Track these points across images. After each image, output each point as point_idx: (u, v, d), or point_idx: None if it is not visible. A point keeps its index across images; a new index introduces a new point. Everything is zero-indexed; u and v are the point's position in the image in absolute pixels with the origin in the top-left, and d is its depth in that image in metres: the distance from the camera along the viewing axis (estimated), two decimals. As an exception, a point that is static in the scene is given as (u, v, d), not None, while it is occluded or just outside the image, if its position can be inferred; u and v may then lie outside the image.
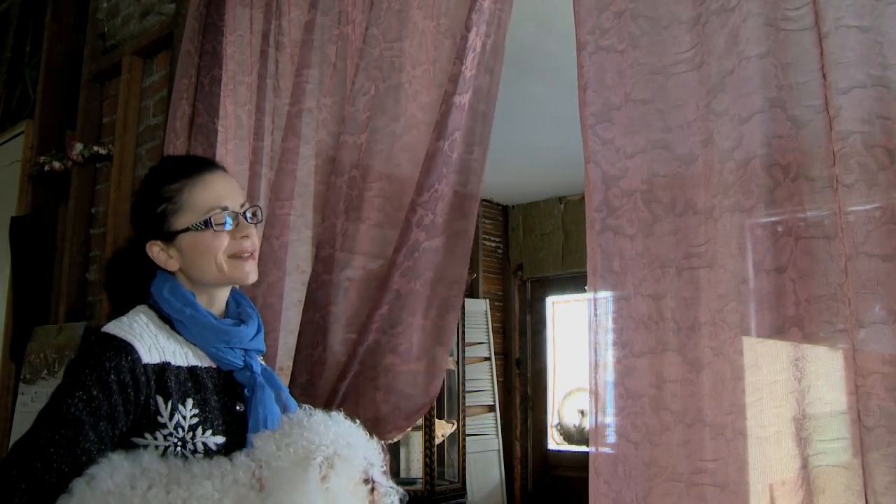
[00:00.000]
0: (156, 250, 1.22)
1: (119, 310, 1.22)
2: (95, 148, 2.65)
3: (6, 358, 2.79)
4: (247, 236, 1.22)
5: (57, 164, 2.73)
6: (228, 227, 1.21)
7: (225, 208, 1.21)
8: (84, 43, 2.94)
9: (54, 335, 2.53)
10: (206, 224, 1.19)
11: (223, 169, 1.30)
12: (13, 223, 2.82)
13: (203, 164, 1.28)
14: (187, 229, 1.20)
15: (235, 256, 1.21)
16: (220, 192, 1.23)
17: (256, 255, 1.25)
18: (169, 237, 1.21)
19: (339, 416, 1.06)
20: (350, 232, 1.63)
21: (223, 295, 1.26)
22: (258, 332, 1.26)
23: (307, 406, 1.09)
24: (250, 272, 1.23)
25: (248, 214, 1.24)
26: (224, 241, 1.21)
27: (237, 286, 1.28)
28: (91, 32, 2.92)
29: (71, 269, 2.67)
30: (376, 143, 1.64)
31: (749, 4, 1.08)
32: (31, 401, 2.46)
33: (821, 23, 1.00)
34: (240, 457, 1.04)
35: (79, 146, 2.66)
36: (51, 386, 2.39)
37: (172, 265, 1.21)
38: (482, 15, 1.54)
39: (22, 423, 2.45)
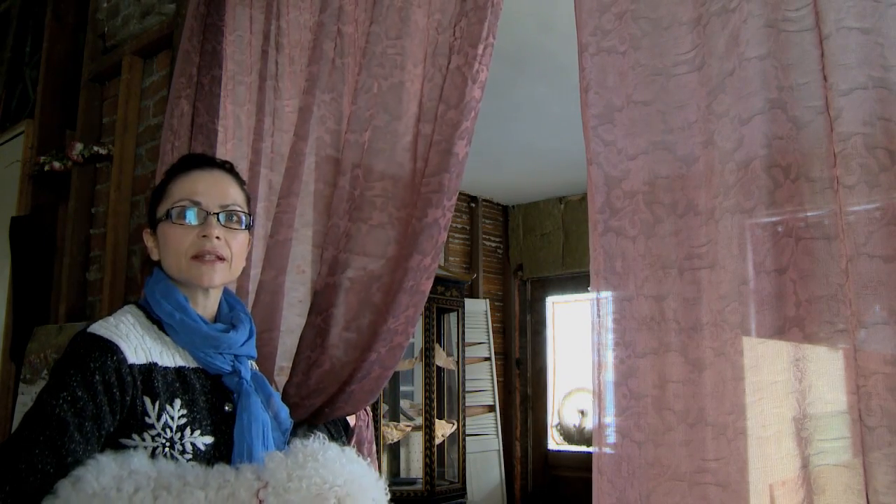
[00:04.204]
0: (146, 237, 1.25)
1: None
2: (95, 148, 2.65)
3: (6, 358, 2.79)
4: (206, 236, 1.17)
5: (57, 164, 2.73)
6: (189, 221, 1.17)
7: (197, 203, 1.18)
8: (84, 43, 2.94)
9: (54, 335, 2.53)
10: (168, 214, 1.18)
11: (224, 168, 1.26)
12: (13, 223, 2.82)
13: (199, 161, 1.26)
14: (160, 219, 1.21)
15: (196, 257, 1.17)
16: (197, 188, 1.19)
17: (227, 259, 1.19)
18: (153, 225, 1.23)
19: (351, 453, 1.04)
20: (352, 232, 1.62)
21: (214, 294, 1.24)
22: (249, 337, 1.23)
23: (321, 435, 1.06)
24: (204, 275, 1.17)
25: (222, 216, 1.18)
26: (188, 239, 1.17)
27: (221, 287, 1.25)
28: (91, 32, 2.92)
29: (71, 269, 2.67)
30: (378, 141, 1.64)
31: (750, 6, 1.08)
32: (31, 401, 2.45)
33: (821, 24, 1.00)
34: (245, 472, 1.00)
35: (79, 146, 2.66)
36: (51, 386, 2.39)
37: (155, 255, 1.23)
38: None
39: (22, 423, 2.45)
